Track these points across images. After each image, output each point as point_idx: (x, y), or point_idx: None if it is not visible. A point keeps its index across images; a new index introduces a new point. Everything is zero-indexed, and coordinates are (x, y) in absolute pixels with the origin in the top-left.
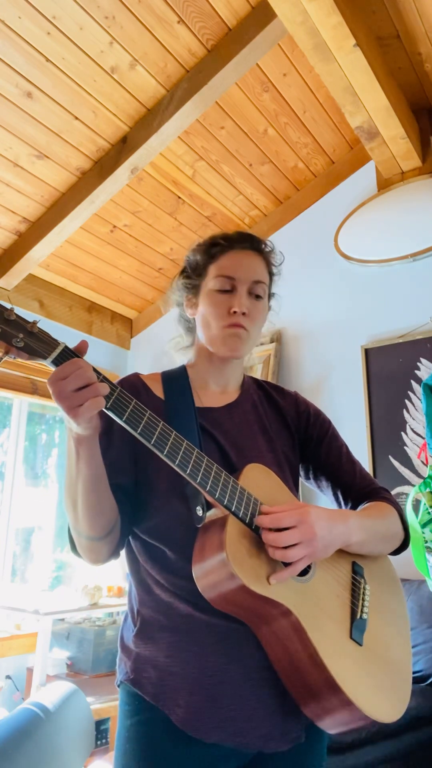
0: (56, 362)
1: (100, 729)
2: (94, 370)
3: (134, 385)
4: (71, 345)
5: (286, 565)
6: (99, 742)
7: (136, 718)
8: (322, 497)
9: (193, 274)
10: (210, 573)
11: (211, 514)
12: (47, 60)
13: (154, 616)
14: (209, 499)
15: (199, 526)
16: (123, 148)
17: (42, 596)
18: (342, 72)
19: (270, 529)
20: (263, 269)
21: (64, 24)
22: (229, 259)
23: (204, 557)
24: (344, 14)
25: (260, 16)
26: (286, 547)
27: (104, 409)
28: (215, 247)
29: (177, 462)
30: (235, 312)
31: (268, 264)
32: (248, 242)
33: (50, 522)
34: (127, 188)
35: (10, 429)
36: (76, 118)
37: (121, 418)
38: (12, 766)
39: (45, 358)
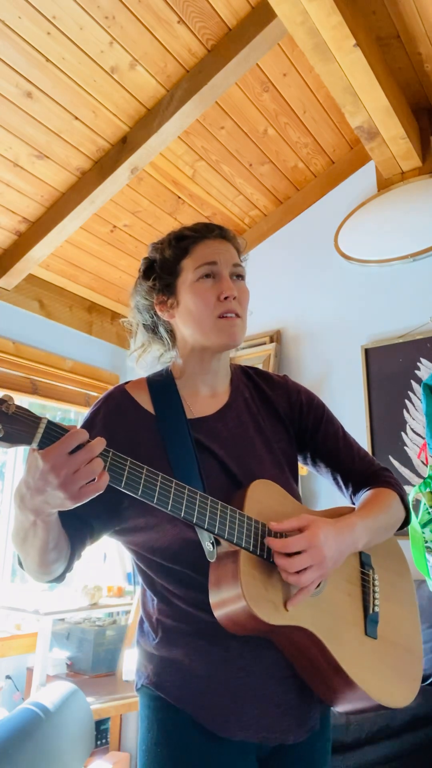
0: (42, 444)
1: (100, 729)
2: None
3: (121, 405)
4: (70, 345)
5: None
6: (99, 742)
7: (162, 722)
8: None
9: (163, 273)
10: (227, 606)
11: (222, 547)
12: (47, 60)
13: (175, 624)
14: (218, 538)
15: (212, 560)
16: (123, 148)
17: (42, 596)
18: (342, 72)
19: (281, 553)
20: (237, 255)
21: (64, 24)
22: (204, 248)
23: (220, 591)
24: (344, 14)
25: (260, 16)
26: (298, 571)
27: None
28: (185, 241)
29: (183, 514)
30: (226, 298)
31: (238, 251)
32: (216, 231)
33: None
34: (127, 188)
35: None
36: (76, 118)
37: (120, 486)
38: (12, 766)
39: (29, 443)
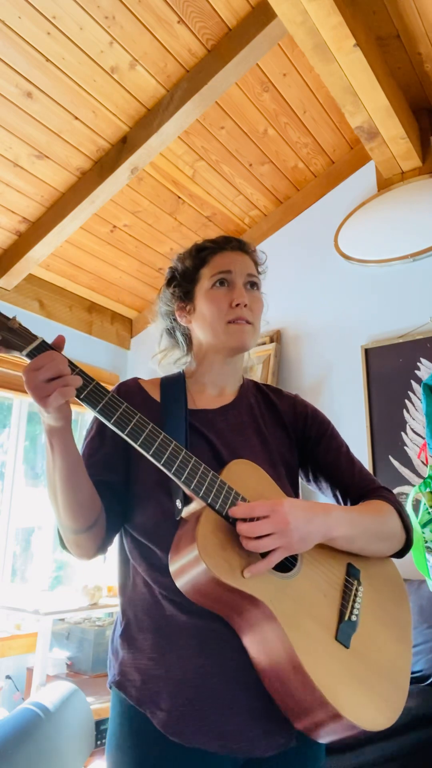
0: (31, 355)
1: (100, 729)
2: (71, 363)
3: (130, 388)
4: (70, 345)
5: (264, 557)
6: (99, 742)
7: (124, 725)
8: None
9: (183, 281)
10: (184, 565)
11: (190, 507)
12: (47, 60)
13: (138, 615)
14: (186, 491)
15: (178, 519)
16: (123, 148)
17: (42, 596)
18: (342, 72)
19: (244, 520)
20: (253, 266)
21: (64, 24)
22: (221, 258)
23: (179, 550)
24: (344, 14)
25: (260, 16)
26: (259, 538)
27: (78, 399)
28: (204, 251)
29: (151, 452)
30: (237, 305)
31: (255, 264)
32: (235, 243)
33: (50, 522)
34: (127, 188)
35: (10, 429)
36: (76, 118)
37: (94, 409)
38: (12, 766)
39: (21, 351)
